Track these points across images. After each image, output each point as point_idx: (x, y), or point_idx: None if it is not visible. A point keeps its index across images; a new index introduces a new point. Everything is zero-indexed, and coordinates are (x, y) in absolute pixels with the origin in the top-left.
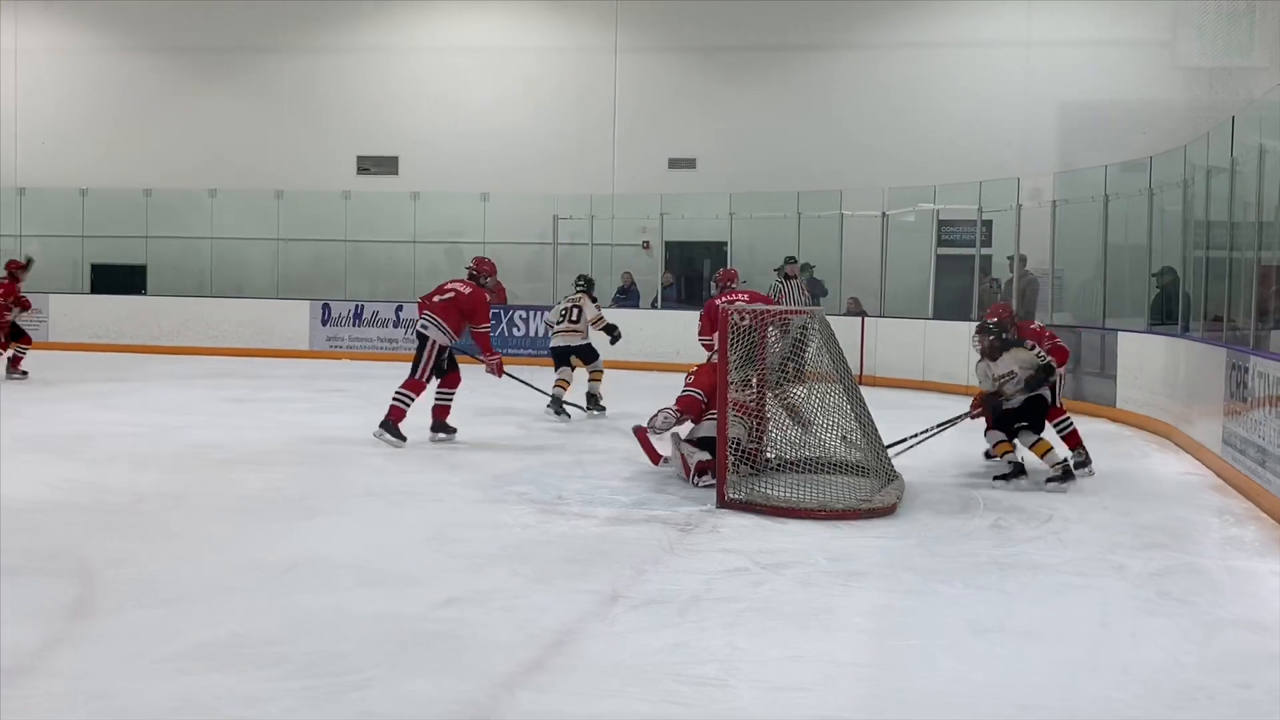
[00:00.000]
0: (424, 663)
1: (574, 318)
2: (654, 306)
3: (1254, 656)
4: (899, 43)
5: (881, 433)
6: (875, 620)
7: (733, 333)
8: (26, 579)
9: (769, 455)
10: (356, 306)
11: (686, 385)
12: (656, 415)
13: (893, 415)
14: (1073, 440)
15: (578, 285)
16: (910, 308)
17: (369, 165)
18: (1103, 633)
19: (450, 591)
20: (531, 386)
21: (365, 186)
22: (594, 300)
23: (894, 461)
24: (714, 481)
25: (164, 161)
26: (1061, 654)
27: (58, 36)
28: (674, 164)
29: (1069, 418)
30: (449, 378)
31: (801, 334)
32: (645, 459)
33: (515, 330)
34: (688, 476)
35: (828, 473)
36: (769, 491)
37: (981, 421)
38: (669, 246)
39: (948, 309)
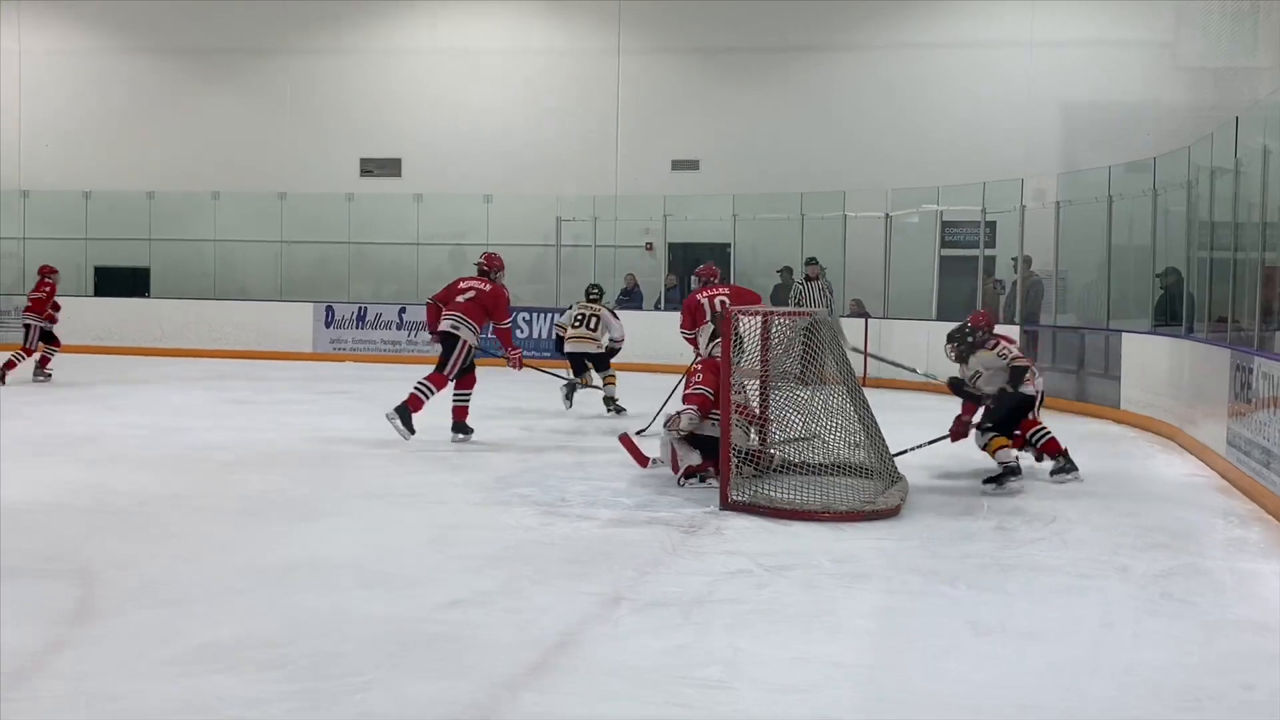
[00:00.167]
0: (425, 664)
1: (592, 326)
2: (657, 308)
3: (1257, 658)
4: (901, 43)
5: (885, 435)
6: (878, 622)
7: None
8: (28, 581)
9: (772, 454)
10: (360, 309)
11: (695, 383)
12: (680, 417)
13: (896, 418)
14: (1051, 447)
15: (591, 294)
16: (914, 309)
17: (372, 167)
18: (1105, 634)
19: (452, 593)
20: (553, 374)
21: (368, 188)
22: (615, 315)
23: (897, 464)
24: (701, 484)
25: (167, 164)
26: (1064, 655)
27: (59, 38)
28: (677, 165)
29: (1044, 427)
30: (466, 379)
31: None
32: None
33: (519, 332)
34: (675, 473)
35: (831, 475)
36: (772, 493)
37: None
38: (672, 248)
39: (952, 310)
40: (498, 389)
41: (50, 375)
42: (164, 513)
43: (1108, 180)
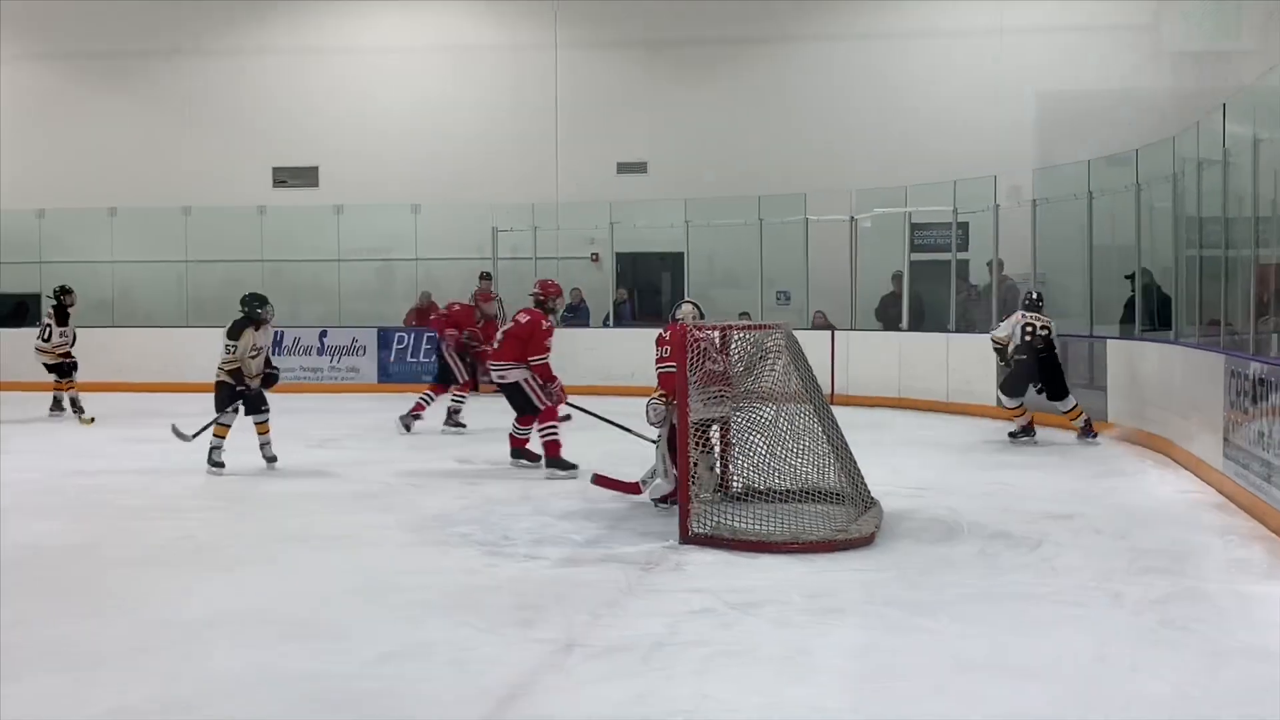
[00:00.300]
0: None
1: None
2: (606, 325)
3: (1264, 687)
4: (863, 33)
5: (857, 456)
6: (856, 661)
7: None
8: None
9: (735, 484)
10: (276, 334)
11: (659, 361)
12: (647, 410)
13: (868, 437)
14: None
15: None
16: (883, 319)
17: (286, 177)
18: (1101, 667)
19: (386, 645)
20: (593, 414)
21: (282, 200)
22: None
23: (870, 486)
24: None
25: (57, 179)
26: (1057, 691)
27: None
28: (623, 169)
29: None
30: (528, 416)
31: (763, 352)
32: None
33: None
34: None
35: (800, 501)
36: (736, 524)
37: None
38: (620, 258)
39: (923, 319)
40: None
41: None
42: (64, 565)
43: (1087, 175)
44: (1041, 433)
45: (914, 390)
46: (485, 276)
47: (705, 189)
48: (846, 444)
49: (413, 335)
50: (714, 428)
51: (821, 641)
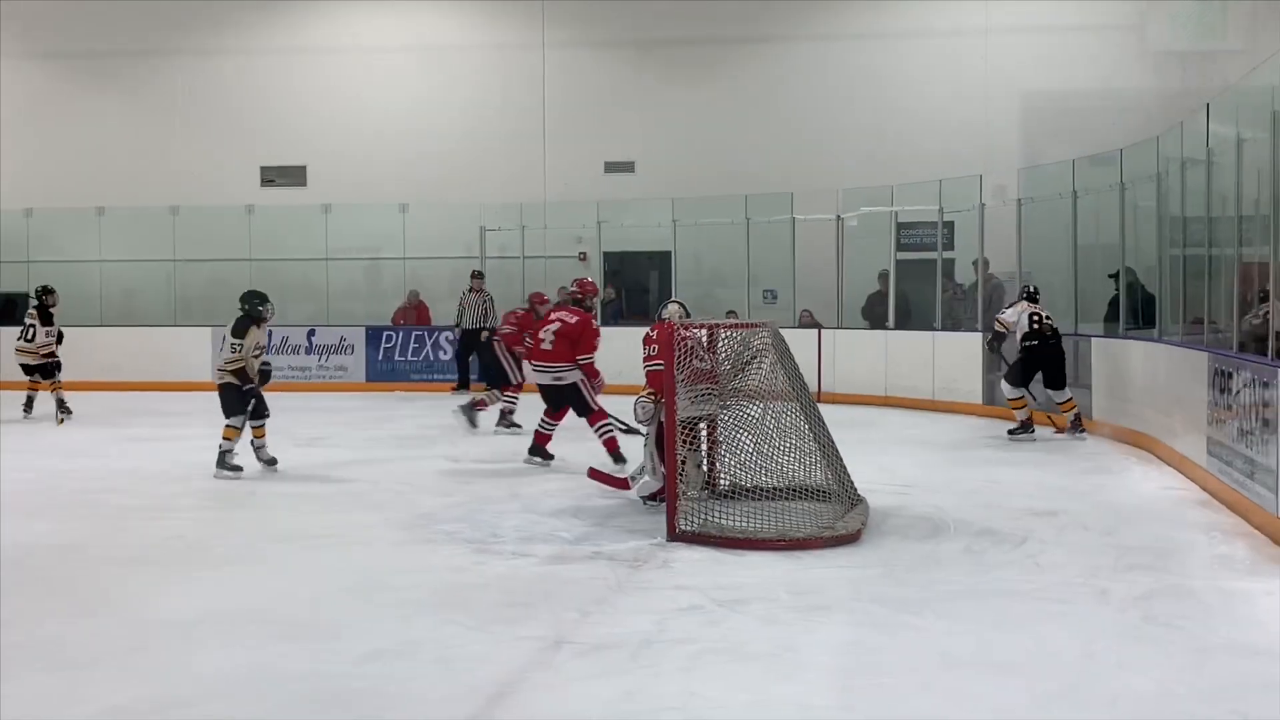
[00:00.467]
0: None
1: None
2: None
3: (1249, 683)
4: (850, 33)
5: (844, 454)
6: (843, 658)
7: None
8: None
9: (722, 482)
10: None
11: (646, 360)
12: (635, 408)
13: (855, 435)
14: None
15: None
16: (869, 317)
17: (274, 176)
18: (1087, 663)
19: (376, 643)
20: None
21: (270, 199)
22: None
23: (857, 484)
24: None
25: (46, 178)
26: (1043, 687)
27: None
28: (610, 168)
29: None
30: (560, 412)
31: (751, 351)
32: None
33: (442, 354)
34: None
35: (786, 499)
36: (724, 521)
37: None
38: (608, 257)
39: (909, 318)
40: (419, 414)
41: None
42: (56, 564)
43: (1071, 174)
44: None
45: (900, 388)
46: (477, 275)
47: (692, 188)
48: (833, 442)
49: (401, 334)
50: (702, 425)
51: (808, 639)
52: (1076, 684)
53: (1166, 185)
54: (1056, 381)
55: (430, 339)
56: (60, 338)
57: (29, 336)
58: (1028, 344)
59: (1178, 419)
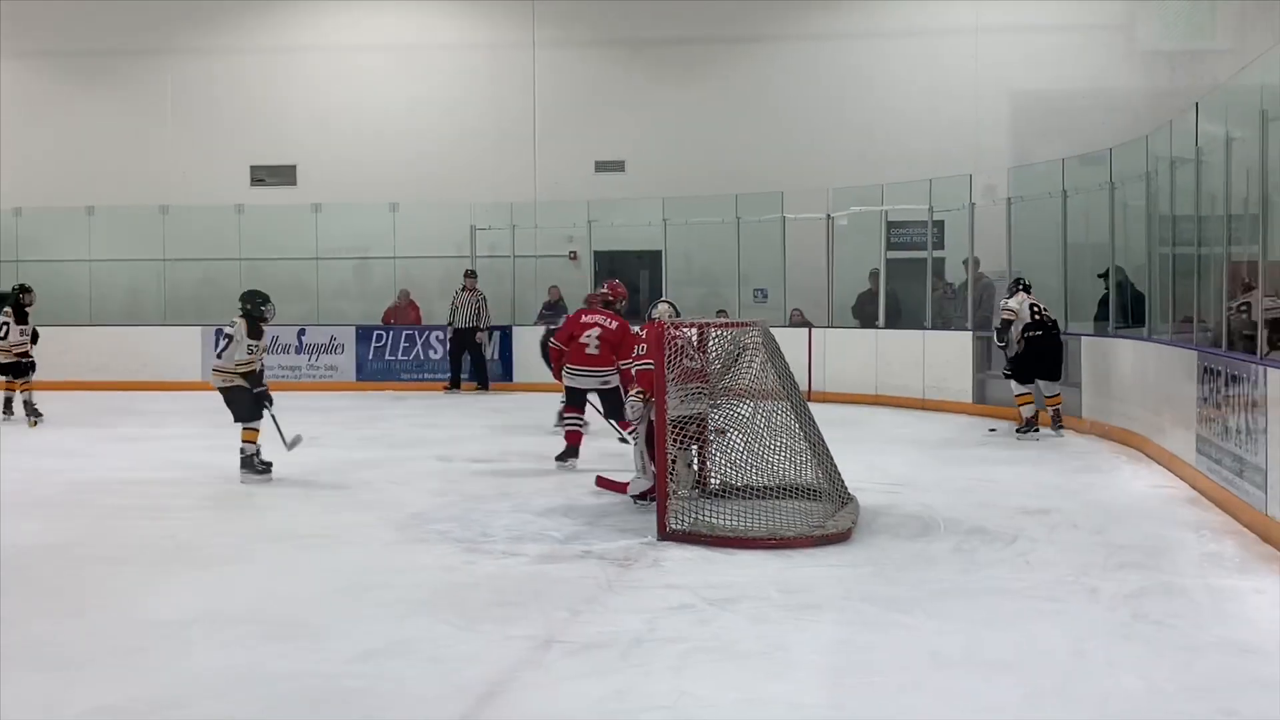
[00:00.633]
0: None
1: None
2: None
3: (1239, 681)
4: (840, 33)
5: (834, 453)
6: (833, 657)
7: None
8: None
9: (713, 481)
10: None
11: (635, 359)
12: (625, 407)
13: (845, 434)
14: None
15: None
16: (860, 316)
17: (264, 176)
18: (1077, 661)
19: (368, 643)
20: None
21: (260, 199)
22: None
23: (847, 483)
24: (650, 502)
25: (35, 177)
26: (1033, 686)
27: None
28: (601, 167)
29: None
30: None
31: (741, 349)
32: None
33: (433, 353)
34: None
35: (777, 498)
36: (714, 520)
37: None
38: (598, 257)
39: (899, 317)
40: (410, 414)
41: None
42: (46, 564)
43: (1061, 173)
44: (1005, 425)
45: (890, 387)
46: (470, 274)
47: (683, 188)
48: (823, 440)
49: (391, 333)
50: (692, 425)
51: (799, 637)
52: (1067, 682)
53: (1156, 184)
54: (1053, 372)
55: (421, 338)
56: (35, 337)
57: (2, 335)
58: (1032, 334)
59: (1167, 417)
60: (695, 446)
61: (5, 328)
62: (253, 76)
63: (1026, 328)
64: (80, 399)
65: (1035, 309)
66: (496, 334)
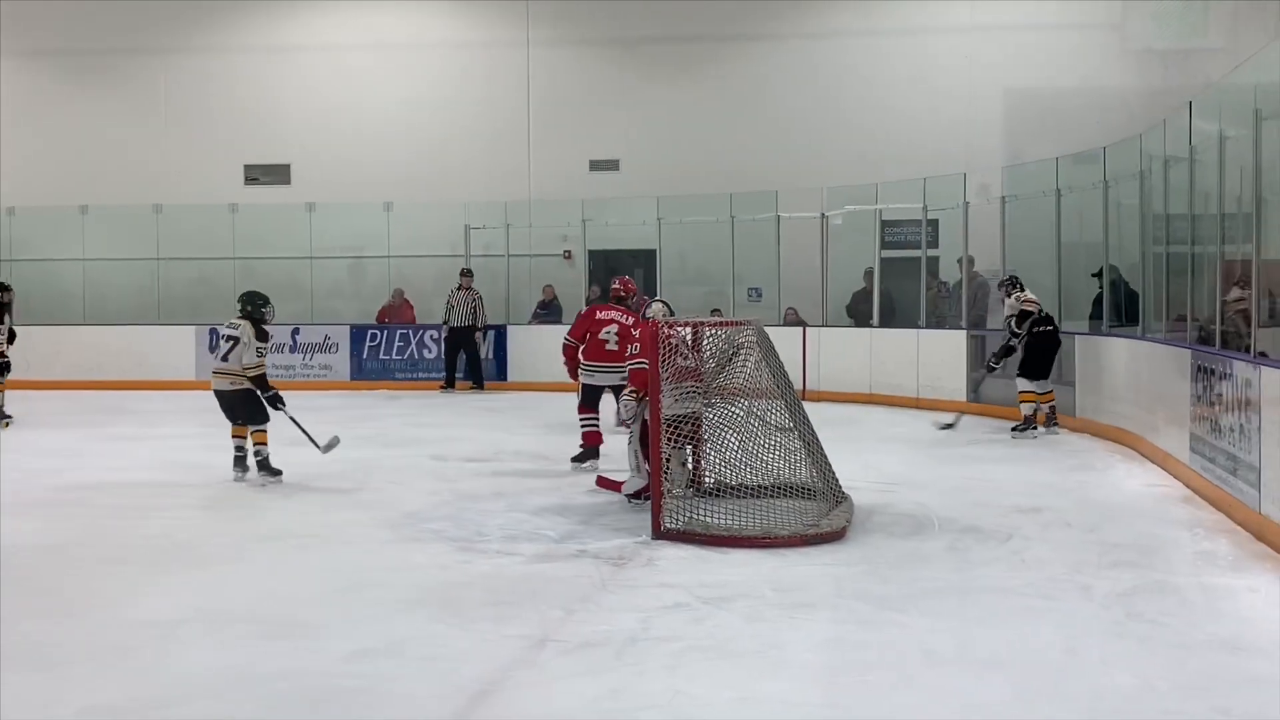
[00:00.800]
0: None
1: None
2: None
3: (1231, 679)
4: (834, 31)
5: (829, 451)
6: (827, 655)
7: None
8: None
9: (708, 480)
10: None
11: (630, 358)
12: (619, 408)
13: (839, 433)
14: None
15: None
16: (854, 315)
17: (258, 175)
18: (1070, 659)
19: (362, 642)
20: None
21: (254, 198)
22: None
23: (841, 481)
24: (646, 502)
25: (27, 176)
26: (1026, 683)
27: None
28: (595, 166)
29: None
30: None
31: (734, 348)
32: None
33: (427, 352)
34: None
35: (771, 497)
36: (708, 519)
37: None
38: (593, 256)
39: (894, 316)
40: (404, 413)
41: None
42: (38, 564)
43: (1055, 172)
44: (999, 424)
45: (885, 386)
46: (466, 273)
47: (677, 186)
48: (818, 439)
49: (385, 332)
50: (686, 424)
51: (793, 635)
52: (1060, 680)
53: (1149, 183)
54: (1046, 370)
55: (415, 337)
56: (12, 337)
57: None
58: (1042, 329)
59: (1161, 416)
60: (690, 445)
61: None
62: (247, 75)
63: (1035, 323)
64: (74, 399)
65: (1038, 305)
66: (491, 333)
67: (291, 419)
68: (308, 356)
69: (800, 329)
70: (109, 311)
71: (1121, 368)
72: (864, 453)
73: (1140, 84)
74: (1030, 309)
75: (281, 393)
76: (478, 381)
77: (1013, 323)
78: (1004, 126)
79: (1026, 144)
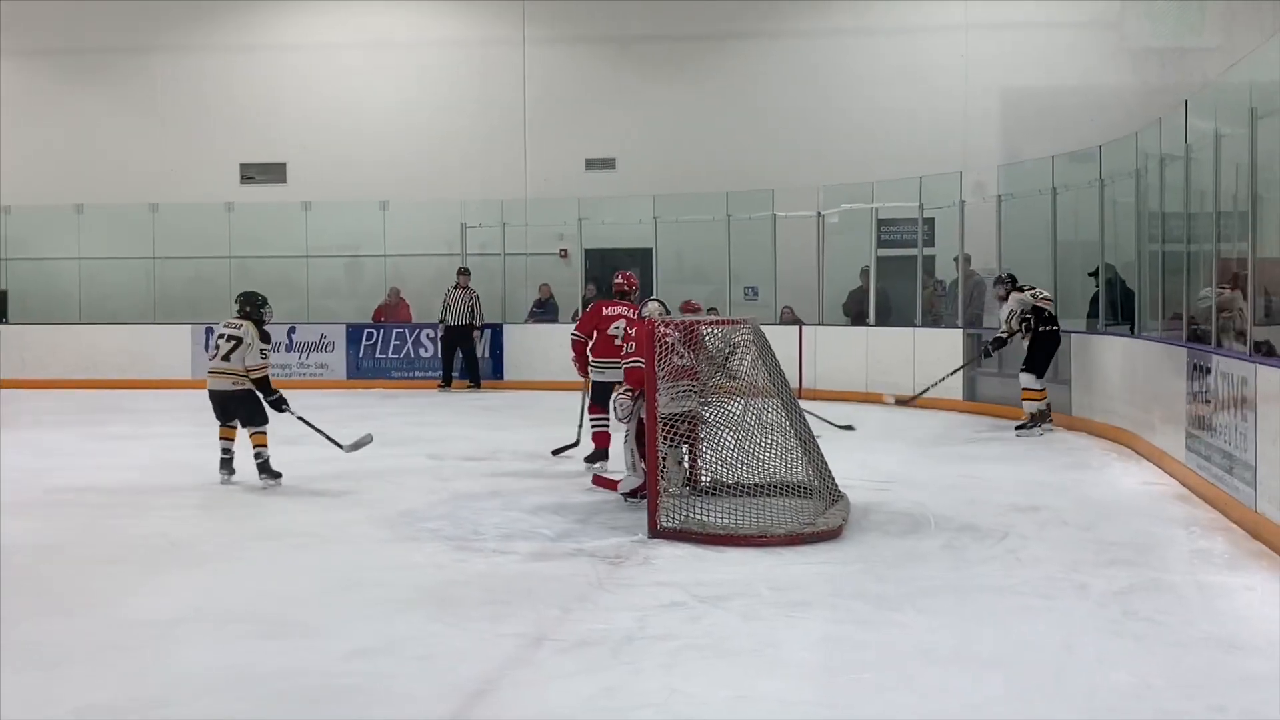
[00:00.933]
0: None
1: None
2: (574, 320)
3: (1227, 677)
4: (830, 30)
5: (825, 450)
6: (824, 654)
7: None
8: None
9: (704, 479)
10: None
11: (625, 357)
12: (614, 405)
13: (835, 431)
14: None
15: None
16: (850, 314)
17: (254, 173)
18: (1066, 657)
19: (359, 641)
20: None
21: (250, 197)
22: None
23: (837, 480)
24: (641, 501)
25: (23, 175)
26: (1023, 682)
27: None
28: (591, 165)
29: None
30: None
31: (731, 347)
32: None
33: (423, 351)
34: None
35: (767, 495)
36: (705, 518)
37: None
38: (589, 254)
39: (890, 314)
40: (400, 412)
41: None
42: (34, 564)
43: (1051, 171)
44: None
45: (881, 384)
46: (464, 272)
47: (673, 185)
48: (814, 438)
49: (381, 331)
50: (682, 422)
51: (789, 634)
52: (1056, 678)
53: (1145, 181)
54: (1046, 369)
55: (411, 336)
56: None
57: None
58: (1049, 329)
59: (1157, 414)
60: (686, 444)
61: None
62: (242, 74)
63: (1040, 321)
64: (70, 398)
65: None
66: (487, 332)
67: (301, 419)
68: (304, 355)
69: (796, 328)
70: (105, 310)
71: (1117, 366)
72: (860, 451)
73: (1136, 82)
74: (1046, 306)
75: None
76: (474, 380)
77: (1014, 320)
78: (1000, 125)
79: (1022, 142)
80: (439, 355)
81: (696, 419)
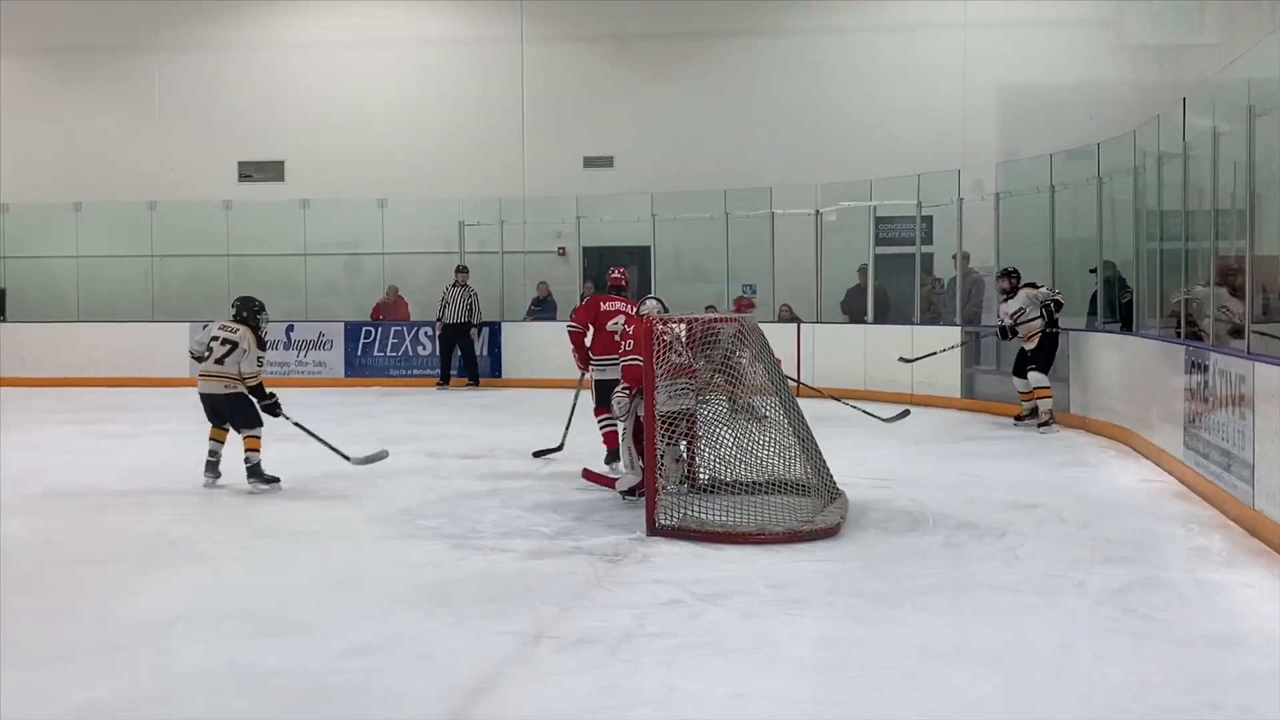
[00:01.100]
0: None
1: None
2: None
3: (1226, 675)
4: (829, 27)
5: (823, 448)
6: (822, 651)
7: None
8: None
9: (702, 476)
10: None
11: (623, 355)
12: (614, 405)
13: (833, 430)
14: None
15: None
16: (848, 312)
17: (252, 171)
18: (1065, 655)
19: (356, 639)
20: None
21: (248, 195)
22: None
23: (836, 478)
24: (640, 499)
25: (22, 173)
26: (1021, 680)
27: None
28: (589, 163)
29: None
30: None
31: (731, 344)
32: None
33: (421, 349)
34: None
35: (765, 493)
36: (703, 515)
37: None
38: (587, 252)
39: (888, 312)
40: (398, 410)
41: None
42: (32, 562)
43: (1049, 169)
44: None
45: (879, 382)
46: (462, 270)
47: (671, 183)
48: (812, 435)
49: (380, 329)
50: (680, 420)
51: (787, 632)
52: (1054, 676)
53: (1143, 179)
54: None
55: (410, 334)
56: None
57: None
58: (1054, 330)
59: (1155, 412)
60: (684, 442)
61: None
62: (240, 72)
63: (1048, 321)
64: (68, 395)
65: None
66: (486, 330)
67: (302, 428)
68: (302, 353)
69: (795, 325)
70: (103, 308)
71: (1116, 364)
72: (858, 449)
73: (1135, 80)
74: (1060, 300)
75: (278, 396)
76: (473, 379)
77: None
78: (998, 123)
79: (1021, 140)
80: (437, 353)
81: (695, 416)
